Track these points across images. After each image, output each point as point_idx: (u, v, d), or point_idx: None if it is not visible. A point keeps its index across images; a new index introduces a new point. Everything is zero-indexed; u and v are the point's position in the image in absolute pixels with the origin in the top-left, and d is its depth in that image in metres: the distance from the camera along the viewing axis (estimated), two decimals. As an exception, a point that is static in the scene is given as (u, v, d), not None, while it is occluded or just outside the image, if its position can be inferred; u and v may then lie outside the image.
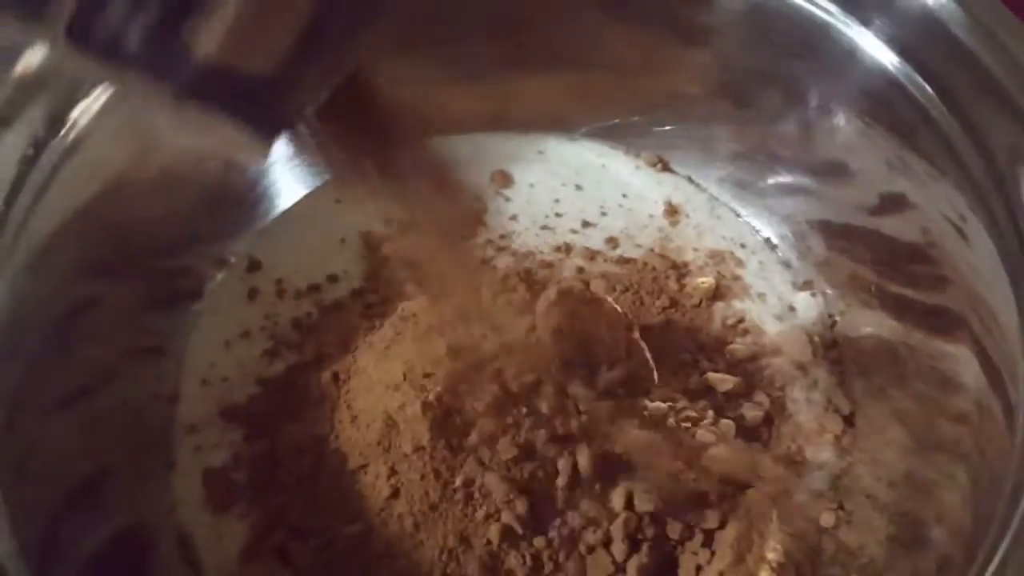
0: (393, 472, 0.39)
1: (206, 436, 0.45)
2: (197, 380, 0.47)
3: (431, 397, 0.39)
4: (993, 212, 0.36)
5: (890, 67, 0.41)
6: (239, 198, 0.51)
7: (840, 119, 0.44)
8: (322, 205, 0.54)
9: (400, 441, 0.39)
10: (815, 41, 0.43)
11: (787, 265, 0.50)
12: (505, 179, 0.55)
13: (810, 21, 0.43)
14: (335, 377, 0.43)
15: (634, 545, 0.39)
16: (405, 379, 0.40)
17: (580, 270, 0.49)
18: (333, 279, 0.50)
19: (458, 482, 0.38)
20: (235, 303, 0.50)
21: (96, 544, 0.40)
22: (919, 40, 0.40)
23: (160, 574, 0.42)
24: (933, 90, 0.39)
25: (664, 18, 0.48)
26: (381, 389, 0.40)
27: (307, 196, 0.54)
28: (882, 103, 0.41)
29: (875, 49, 0.41)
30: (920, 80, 0.39)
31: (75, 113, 0.40)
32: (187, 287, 0.50)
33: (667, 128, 0.54)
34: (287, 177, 0.53)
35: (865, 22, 0.41)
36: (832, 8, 0.42)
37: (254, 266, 0.51)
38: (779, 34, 0.45)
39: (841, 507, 0.42)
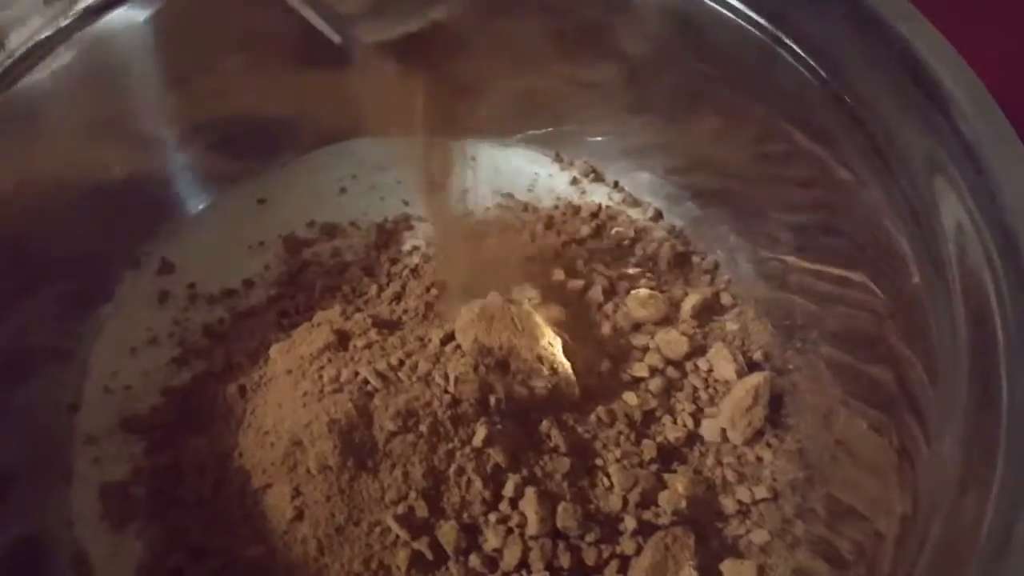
0: (298, 493, 0.37)
1: (105, 448, 0.43)
2: (99, 388, 0.45)
3: (339, 414, 0.37)
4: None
5: (813, 80, 0.40)
6: (152, 197, 0.49)
7: (766, 129, 0.44)
8: (243, 205, 0.52)
9: (306, 460, 0.37)
10: (742, 54, 0.42)
11: (715, 281, 0.49)
12: (436, 185, 0.53)
13: (737, 34, 0.42)
14: (242, 389, 0.41)
15: (551, 573, 0.38)
16: (312, 394, 0.38)
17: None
18: (249, 284, 0.48)
19: (365, 505, 0.37)
20: (144, 307, 0.47)
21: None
22: (843, 52, 0.39)
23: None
24: (851, 100, 0.39)
25: (593, 29, 0.47)
26: (288, 404, 0.39)
27: (228, 195, 0.52)
28: (807, 113, 0.41)
29: (799, 61, 0.41)
30: (840, 90, 0.39)
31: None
32: (98, 288, 0.48)
33: (599, 139, 0.53)
34: (203, 178, 0.51)
35: (791, 35, 0.41)
36: (760, 20, 0.42)
37: (166, 268, 0.49)
38: (707, 48, 0.44)
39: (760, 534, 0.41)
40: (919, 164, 0.36)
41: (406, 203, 0.53)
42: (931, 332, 0.36)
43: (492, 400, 0.40)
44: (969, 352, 0.33)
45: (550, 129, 0.54)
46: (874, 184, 0.38)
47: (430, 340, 0.41)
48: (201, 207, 0.51)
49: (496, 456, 0.38)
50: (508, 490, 0.38)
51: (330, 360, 0.40)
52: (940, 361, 0.35)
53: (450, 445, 0.38)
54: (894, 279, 0.39)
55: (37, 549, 0.41)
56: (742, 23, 0.42)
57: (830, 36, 0.40)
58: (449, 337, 0.41)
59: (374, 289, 0.48)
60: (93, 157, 0.45)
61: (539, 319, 0.42)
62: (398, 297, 0.47)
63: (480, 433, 0.38)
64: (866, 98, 0.38)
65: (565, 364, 0.42)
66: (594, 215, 0.51)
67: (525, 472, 0.39)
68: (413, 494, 0.37)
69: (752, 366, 0.46)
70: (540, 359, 0.41)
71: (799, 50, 0.40)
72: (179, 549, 0.39)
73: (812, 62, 0.40)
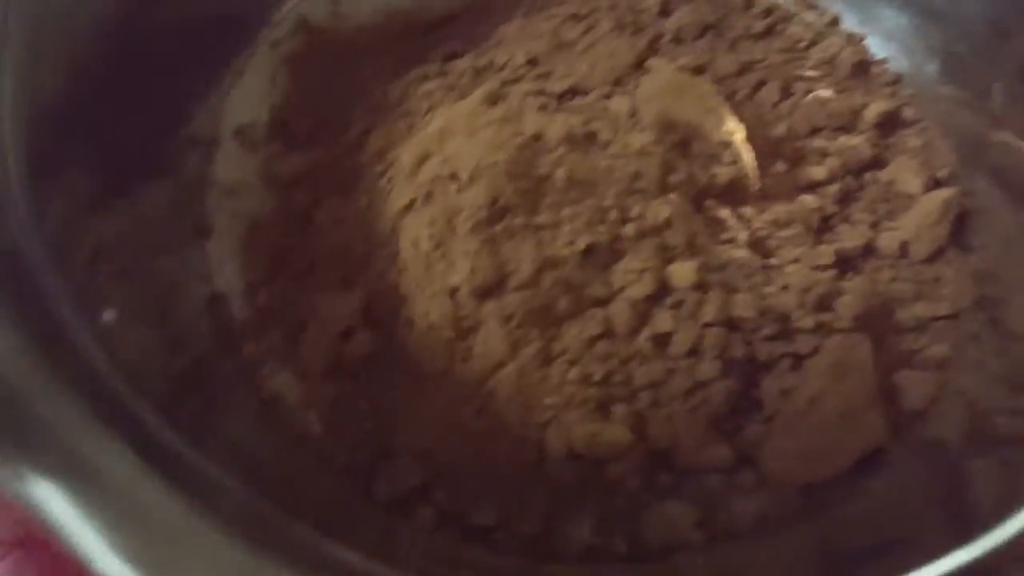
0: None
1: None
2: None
3: (512, 163, 0.34)
4: None
5: None
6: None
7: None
8: None
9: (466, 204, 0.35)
10: None
11: (897, 94, 0.45)
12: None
13: None
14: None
15: (722, 364, 0.35)
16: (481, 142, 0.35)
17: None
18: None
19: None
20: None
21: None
22: None
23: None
24: None
25: None
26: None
27: None
28: None
29: None
30: None
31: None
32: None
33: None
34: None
35: None
36: None
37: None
38: None
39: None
40: None
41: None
42: None
43: (672, 179, 0.37)
44: None
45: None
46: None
47: (611, 109, 0.38)
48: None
49: (673, 238, 0.36)
50: (685, 274, 0.36)
51: (504, 119, 0.37)
52: None
53: (627, 221, 0.35)
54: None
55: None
56: None
57: None
58: (632, 108, 0.38)
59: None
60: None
61: (724, 100, 0.39)
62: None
63: (661, 212, 0.36)
64: None
65: (749, 153, 0.39)
66: (768, 12, 0.47)
67: (702, 258, 0.36)
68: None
69: (936, 183, 0.42)
70: (723, 144, 0.38)
71: None
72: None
73: None
